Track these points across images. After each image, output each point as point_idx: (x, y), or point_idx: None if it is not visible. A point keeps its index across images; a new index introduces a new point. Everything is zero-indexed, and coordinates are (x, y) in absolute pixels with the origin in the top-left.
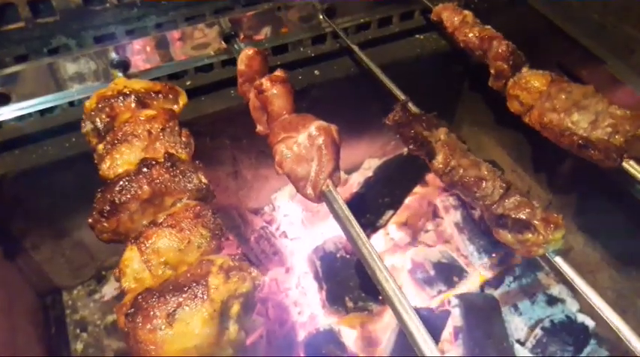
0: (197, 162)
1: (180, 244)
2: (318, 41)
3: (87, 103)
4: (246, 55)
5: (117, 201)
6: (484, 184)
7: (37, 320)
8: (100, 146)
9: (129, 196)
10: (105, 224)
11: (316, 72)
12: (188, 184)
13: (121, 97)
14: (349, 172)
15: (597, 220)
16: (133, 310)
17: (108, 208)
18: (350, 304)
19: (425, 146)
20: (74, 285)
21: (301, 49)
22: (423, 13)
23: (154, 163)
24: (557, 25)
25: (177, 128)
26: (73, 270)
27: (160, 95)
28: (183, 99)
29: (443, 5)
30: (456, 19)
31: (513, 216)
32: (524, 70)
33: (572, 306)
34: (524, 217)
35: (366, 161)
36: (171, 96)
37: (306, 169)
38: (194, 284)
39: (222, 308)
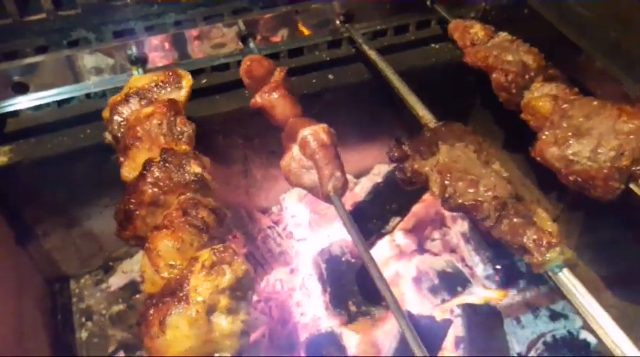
0: (194, 151)
1: (176, 243)
2: (333, 46)
3: (104, 114)
4: (243, 67)
5: (128, 209)
6: (483, 206)
7: (45, 307)
8: (119, 153)
9: (134, 202)
10: (126, 233)
11: (330, 76)
12: (183, 178)
13: (128, 100)
14: (359, 176)
15: (604, 236)
16: (140, 318)
17: (122, 217)
18: (353, 308)
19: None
20: (82, 274)
21: (317, 52)
22: (440, 22)
23: (152, 163)
24: (572, 40)
25: (173, 119)
26: (81, 259)
27: (167, 84)
28: (187, 81)
29: (455, 23)
30: (466, 39)
31: (507, 240)
32: (535, 86)
33: (575, 322)
34: (516, 245)
35: (375, 167)
36: (176, 82)
37: (311, 178)
38: (178, 288)
39: (208, 306)
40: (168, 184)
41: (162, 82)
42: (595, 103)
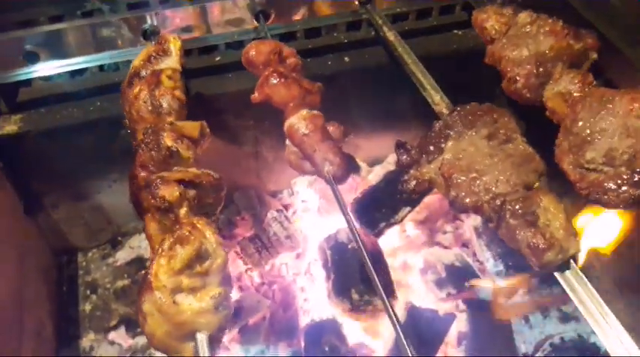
0: (172, 122)
1: (156, 226)
2: (353, 28)
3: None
4: (243, 57)
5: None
6: (484, 208)
7: (50, 278)
8: None
9: (135, 188)
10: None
11: (346, 59)
12: (160, 154)
13: (132, 82)
14: (372, 164)
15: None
16: None
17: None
18: (355, 297)
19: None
20: (90, 247)
21: (335, 34)
22: (465, 8)
23: (137, 145)
24: (598, 29)
25: (154, 92)
26: (89, 232)
27: (160, 54)
28: (175, 45)
29: (475, 15)
30: (485, 36)
31: (508, 244)
32: (555, 77)
33: (585, 325)
34: (515, 249)
35: (390, 156)
36: (167, 49)
37: (309, 166)
38: (147, 274)
39: (171, 289)
40: (152, 163)
41: (155, 52)
42: (606, 96)
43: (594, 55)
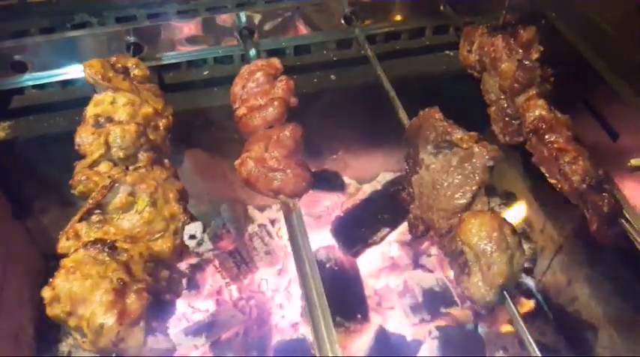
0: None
1: None
2: (343, 46)
3: None
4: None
5: None
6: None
7: (36, 282)
8: None
9: None
10: None
11: (332, 77)
12: None
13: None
14: (362, 182)
15: (604, 272)
16: None
17: None
18: None
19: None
20: None
21: (324, 52)
22: (457, 29)
23: None
24: (588, 60)
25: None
26: None
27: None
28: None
29: (467, 30)
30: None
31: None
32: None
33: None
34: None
35: (381, 174)
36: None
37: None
38: None
39: None
40: None
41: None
42: None
43: None
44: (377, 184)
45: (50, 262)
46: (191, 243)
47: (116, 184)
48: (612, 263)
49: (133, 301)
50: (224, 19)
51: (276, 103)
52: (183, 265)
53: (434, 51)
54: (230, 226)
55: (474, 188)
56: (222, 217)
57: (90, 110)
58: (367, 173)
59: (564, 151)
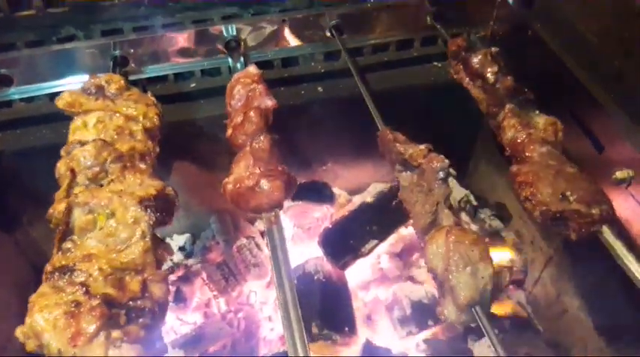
0: None
1: None
2: (331, 58)
3: None
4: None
5: None
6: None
7: (26, 294)
8: None
9: None
10: None
11: (320, 89)
12: None
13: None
14: (353, 193)
15: (593, 284)
16: None
17: None
18: (315, 331)
19: None
20: None
21: (312, 63)
22: (445, 41)
23: None
24: (573, 72)
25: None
26: None
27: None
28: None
29: (451, 42)
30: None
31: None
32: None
33: None
34: None
35: (372, 185)
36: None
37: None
38: None
39: None
40: None
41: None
42: None
43: None
44: (367, 195)
45: (40, 274)
46: (180, 255)
47: (72, 208)
48: (600, 277)
49: (86, 320)
50: (211, 31)
51: (252, 113)
52: (171, 277)
53: (422, 62)
54: (219, 238)
55: (434, 206)
56: (211, 228)
57: (68, 139)
58: (358, 184)
59: (525, 185)
